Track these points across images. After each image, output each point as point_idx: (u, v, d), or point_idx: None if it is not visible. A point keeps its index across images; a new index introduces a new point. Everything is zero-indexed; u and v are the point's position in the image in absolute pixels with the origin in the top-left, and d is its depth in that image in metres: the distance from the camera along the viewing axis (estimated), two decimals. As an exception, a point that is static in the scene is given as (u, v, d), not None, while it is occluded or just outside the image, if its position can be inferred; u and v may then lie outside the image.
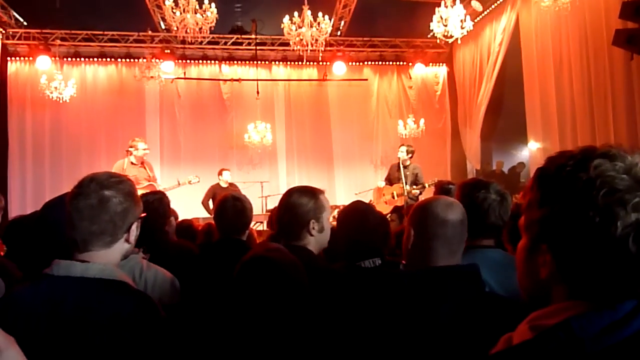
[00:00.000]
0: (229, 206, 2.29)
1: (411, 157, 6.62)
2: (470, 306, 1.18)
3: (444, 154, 9.78)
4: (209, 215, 7.09)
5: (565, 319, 0.69)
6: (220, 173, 7.56)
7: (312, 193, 1.79)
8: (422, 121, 9.12)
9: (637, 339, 0.66)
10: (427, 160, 9.00)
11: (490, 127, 8.93)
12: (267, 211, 7.71)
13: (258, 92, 9.00)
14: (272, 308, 1.28)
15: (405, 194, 6.31)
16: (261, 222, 7.51)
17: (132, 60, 8.93)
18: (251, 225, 2.48)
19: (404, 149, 6.69)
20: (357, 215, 1.97)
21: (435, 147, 9.63)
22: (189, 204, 8.29)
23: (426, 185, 6.33)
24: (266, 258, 1.31)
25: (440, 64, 9.93)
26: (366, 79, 9.94)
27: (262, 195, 8.32)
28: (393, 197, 6.72)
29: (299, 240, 1.76)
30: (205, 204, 7.44)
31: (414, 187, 6.37)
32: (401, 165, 6.65)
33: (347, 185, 9.57)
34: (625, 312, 0.68)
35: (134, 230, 1.28)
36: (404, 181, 6.34)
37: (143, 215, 1.32)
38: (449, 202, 1.35)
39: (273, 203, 7.81)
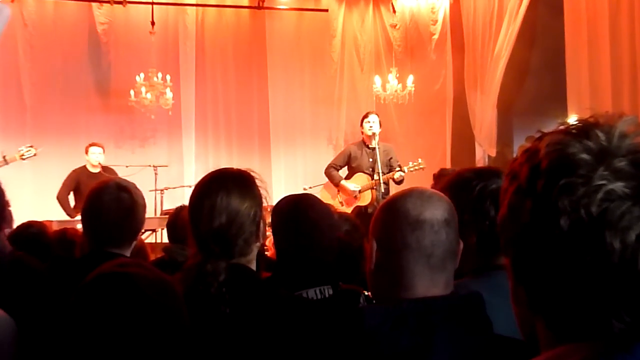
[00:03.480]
0: (109, 200, 2.33)
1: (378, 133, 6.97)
2: None
3: (442, 131, 9.87)
4: (69, 218, 7.28)
5: None
6: (87, 151, 7.80)
7: (249, 184, 1.90)
8: (410, 79, 9.31)
9: None
10: (416, 141, 9.40)
11: (511, 93, 9.10)
12: (163, 213, 7.91)
13: (153, 24, 9.16)
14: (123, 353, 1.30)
15: (380, 186, 6.62)
16: (153, 231, 7.64)
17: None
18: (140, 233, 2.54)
19: (374, 118, 7.04)
20: (296, 217, 2.09)
21: (429, 121, 9.86)
22: (37, 200, 8.46)
23: (404, 169, 6.69)
24: (120, 275, 1.33)
25: (441, -8, 10.02)
26: (326, 10, 10.19)
27: (156, 189, 8.49)
28: (354, 197, 7.05)
29: (242, 257, 1.86)
30: (62, 198, 7.65)
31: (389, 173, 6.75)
32: (368, 145, 7.02)
33: (291, 174, 9.90)
34: None
35: None
36: (378, 166, 6.61)
37: None
38: (427, 194, 1.43)
39: (173, 200, 8.04)
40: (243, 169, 1.95)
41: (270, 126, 10.15)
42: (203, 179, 1.94)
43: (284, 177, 10.04)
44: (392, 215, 1.41)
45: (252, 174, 1.94)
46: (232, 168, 1.96)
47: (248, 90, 10.08)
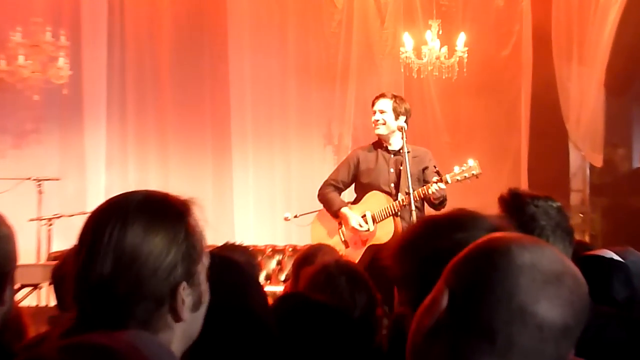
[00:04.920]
0: None
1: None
2: None
3: (513, 123, 9.51)
4: None
5: None
6: None
7: (171, 215, 1.76)
8: (461, 39, 8.71)
9: None
10: (470, 138, 9.18)
11: (628, 66, 8.95)
12: (52, 258, 7.83)
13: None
14: None
15: (410, 212, 6.43)
16: (36, 287, 7.32)
17: None
18: (14, 286, 2.30)
19: (385, 105, 6.73)
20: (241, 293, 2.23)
21: (493, 107, 9.46)
22: None
23: (446, 179, 6.45)
24: None
25: None
26: None
27: (41, 217, 8.15)
28: (365, 232, 6.73)
29: (152, 331, 1.76)
30: None
31: (426, 187, 6.51)
32: (387, 147, 6.82)
33: (265, 195, 9.58)
34: None
35: None
36: (408, 179, 6.39)
37: None
38: (557, 266, 1.41)
39: (69, 236, 7.68)
40: (169, 193, 1.82)
41: (232, 117, 9.60)
42: (100, 205, 1.81)
43: (252, 198, 9.48)
44: (493, 281, 1.38)
45: (184, 199, 1.81)
46: (147, 190, 1.82)
47: (195, 58, 9.67)
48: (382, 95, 6.78)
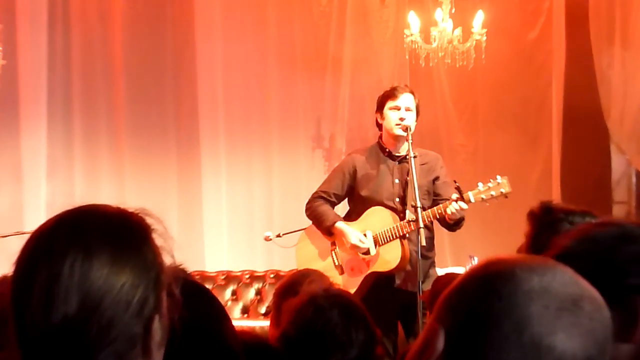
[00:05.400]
0: None
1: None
2: None
3: (543, 122, 9.11)
4: None
5: None
6: None
7: (136, 237, 1.71)
8: (478, 18, 8.27)
9: None
10: (490, 142, 8.98)
11: None
12: None
13: None
14: None
15: (419, 235, 6.29)
16: None
17: None
18: None
19: (407, 100, 6.59)
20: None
21: (517, 102, 9.07)
22: None
23: (468, 197, 6.33)
24: None
25: None
26: None
27: None
28: (362, 253, 6.65)
29: None
30: None
31: (440, 206, 6.42)
32: (391, 153, 6.77)
33: (241, 207, 9.16)
34: None
35: None
36: (415, 192, 6.31)
37: None
38: (572, 290, 1.39)
39: (2, 262, 8.01)
40: (126, 208, 1.75)
41: (200, 114, 9.12)
42: (41, 227, 1.70)
43: (225, 213, 8.97)
44: (498, 314, 1.35)
45: (145, 217, 1.75)
46: (101, 206, 1.75)
47: (155, 43, 9.17)
48: (405, 88, 6.53)
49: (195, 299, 2.05)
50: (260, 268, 8.25)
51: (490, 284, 1.33)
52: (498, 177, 6.28)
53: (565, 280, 1.34)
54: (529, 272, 1.33)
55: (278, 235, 6.96)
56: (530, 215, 3.45)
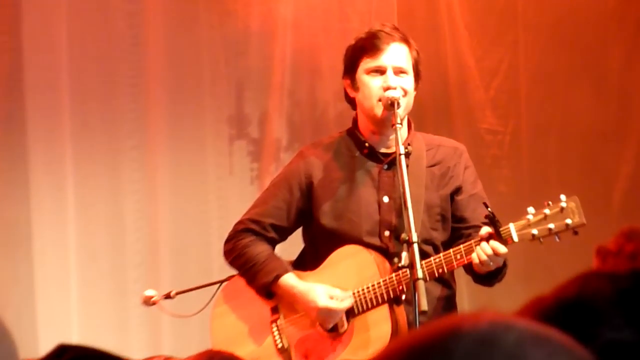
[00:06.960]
0: None
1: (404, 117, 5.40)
2: None
3: (599, 108, 7.72)
4: None
5: None
6: None
7: None
8: None
9: None
10: (537, 123, 7.79)
11: None
12: None
13: None
14: None
15: (417, 267, 5.11)
16: None
17: None
18: None
19: (399, 52, 5.51)
20: None
21: (578, 65, 7.64)
22: None
23: (512, 231, 5.04)
24: None
25: None
26: None
27: None
28: (327, 330, 5.65)
29: None
30: None
31: (467, 246, 5.15)
32: (375, 148, 5.79)
33: (103, 253, 7.40)
34: None
35: None
36: (412, 229, 5.01)
37: None
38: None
39: None
40: None
41: (26, 104, 7.26)
42: None
43: (74, 263, 6.87)
44: None
45: None
46: None
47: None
48: (393, 33, 5.03)
49: None
50: (137, 355, 5.61)
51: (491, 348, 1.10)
52: (562, 196, 4.67)
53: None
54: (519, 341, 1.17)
55: (168, 296, 5.20)
56: (601, 253, 3.31)
